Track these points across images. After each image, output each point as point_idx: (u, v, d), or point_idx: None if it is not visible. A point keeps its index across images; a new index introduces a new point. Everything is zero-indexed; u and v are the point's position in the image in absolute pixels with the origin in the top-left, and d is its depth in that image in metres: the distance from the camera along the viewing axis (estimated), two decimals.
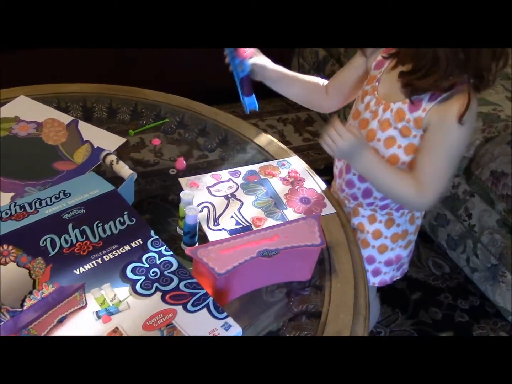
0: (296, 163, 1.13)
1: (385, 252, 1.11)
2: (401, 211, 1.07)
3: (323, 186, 1.08)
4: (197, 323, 0.69)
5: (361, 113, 1.02)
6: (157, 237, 0.82)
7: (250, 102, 1.05)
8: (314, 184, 1.08)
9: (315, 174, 1.11)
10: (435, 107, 0.90)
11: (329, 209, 1.03)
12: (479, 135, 1.50)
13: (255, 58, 1.05)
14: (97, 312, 0.70)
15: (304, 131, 2.28)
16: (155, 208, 1.04)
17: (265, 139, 1.20)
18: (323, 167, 2.06)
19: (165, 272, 0.76)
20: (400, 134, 0.95)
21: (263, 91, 2.56)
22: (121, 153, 1.12)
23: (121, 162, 1.03)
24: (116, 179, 0.98)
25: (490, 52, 0.83)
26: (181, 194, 0.89)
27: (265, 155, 1.16)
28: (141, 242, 0.80)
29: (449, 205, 1.62)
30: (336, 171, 1.12)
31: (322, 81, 1.15)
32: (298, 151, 2.15)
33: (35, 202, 0.85)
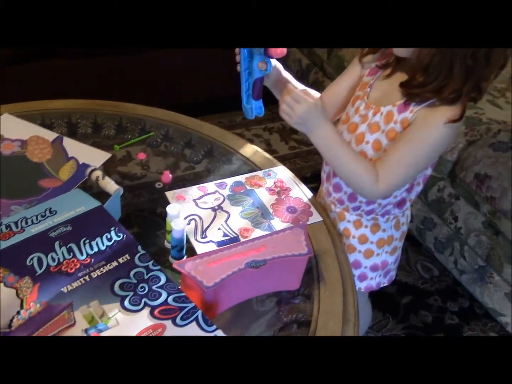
0: (282, 173, 1.14)
1: (371, 257, 1.12)
2: (386, 217, 1.08)
3: (309, 194, 1.09)
4: None
5: (350, 117, 1.04)
6: (145, 252, 0.82)
7: (258, 107, 0.98)
8: (300, 193, 1.09)
9: (301, 183, 1.12)
10: (422, 109, 0.91)
11: (315, 218, 1.03)
12: (462, 139, 1.52)
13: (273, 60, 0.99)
14: (86, 330, 0.70)
15: (290, 139, 2.30)
16: (143, 221, 1.04)
17: (250, 149, 1.21)
18: (310, 174, 2.07)
19: (153, 287, 0.76)
20: (386, 137, 0.96)
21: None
22: (108, 167, 1.13)
23: (107, 178, 1.04)
24: (103, 194, 0.99)
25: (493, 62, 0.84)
26: (167, 208, 0.90)
27: (251, 166, 1.16)
28: (129, 258, 0.80)
29: (435, 208, 1.64)
30: (323, 175, 1.13)
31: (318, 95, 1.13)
32: (285, 159, 2.17)
33: (21, 221, 0.85)
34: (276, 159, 1.21)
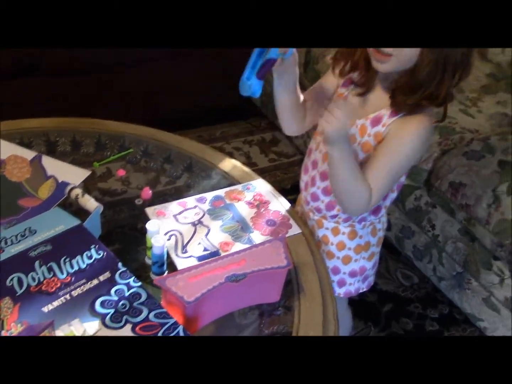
0: (261, 186, 1.16)
1: (349, 263, 1.14)
2: (362, 223, 1.11)
3: (288, 206, 1.11)
4: None
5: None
6: (125, 268, 0.83)
7: (258, 86, 0.92)
8: (279, 205, 1.11)
9: (280, 196, 1.14)
10: (394, 122, 0.94)
11: (294, 230, 1.05)
12: (436, 148, 1.55)
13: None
14: None
15: (269, 151, 2.32)
16: (124, 237, 1.04)
17: (229, 163, 1.22)
18: (290, 186, 2.09)
19: (134, 304, 0.77)
20: (361, 150, 0.99)
21: (226, 114, 2.58)
22: (88, 184, 1.13)
23: (86, 195, 1.04)
24: (83, 212, 0.99)
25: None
26: (147, 225, 0.90)
27: (230, 180, 1.18)
28: (109, 275, 0.81)
29: (413, 217, 1.67)
30: (302, 184, 1.15)
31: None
32: (265, 172, 2.18)
33: (1, 241, 0.85)
34: (255, 172, 1.23)
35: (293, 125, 1.10)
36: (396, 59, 0.89)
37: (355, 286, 1.17)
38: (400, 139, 0.94)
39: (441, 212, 1.57)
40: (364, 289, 1.19)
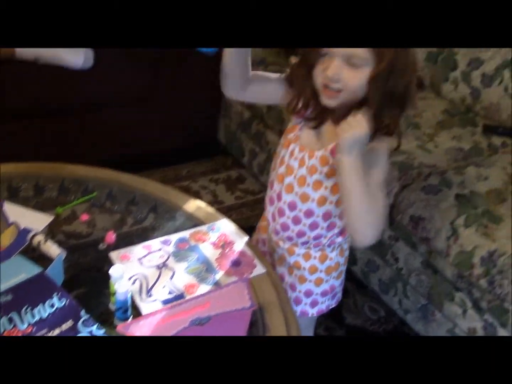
0: (226, 226, 1.17)
1: (321, 285, 1.18)
2: (332, 246, 1.14)
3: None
4: None
5: (285, 160, 1.09)
6: (89, 316, 0.82)
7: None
8: (244, 245, 1.12)
9: (245, 235, 1.15)
10: None
11: (259, 269, 1.06)
12: (396, 183, 1.60)
13: None
14: None
15: (236, 189, 2.34)
16: (90, 281, 1.03)
17: (194, 205, 1.24)
18: (257, 223, 2.10)
19: None
20: (326, 177, 1.04)
21: (192, 153, 2.60)
22: (53, 227, 1.13)
23: (49, 242, 1.04)
24: (46, 258, 0.99)
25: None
26: (111, 271, 0.90)
27: (194, 221, 1.19)
28: (72, 323, 0.80)
29: (377, 250, 1.70)
30: (269, 215, 1.17)
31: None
32: (231, 209, 2.20)
33: None
34: (222, 210, 1.25)
35: (234, 86, 1.11)
36: (345, 94, 0.95)
37: (326, 304, 1.21)
38: (374, 163, 0.99)
39: (403, 245, 1.60)
40: (333, 305, 1.23)
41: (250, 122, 2.28)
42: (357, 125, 0.92)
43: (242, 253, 1.10)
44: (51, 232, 1.12)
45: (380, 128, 0.97)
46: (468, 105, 1.99)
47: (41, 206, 1.17)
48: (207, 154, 2.52)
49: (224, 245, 1.12)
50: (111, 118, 2.12)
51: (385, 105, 0.95)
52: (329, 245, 1.14)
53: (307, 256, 1.15)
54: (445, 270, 1.46)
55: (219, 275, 1.03)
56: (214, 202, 2.23)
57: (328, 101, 0.98)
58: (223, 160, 2.50)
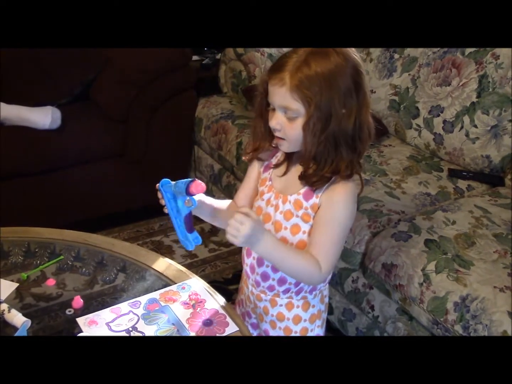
0: (196, 285, 1.15)
1: (307, 335, 1.16)
2: (314, 292, 1.13)
3: (225, 303, 1.11)
4: None
5: (262, 209, 1.10)
6: None
7: (195, 237, 1.03)
8: (215, 303, 1.10)
9: (216, 293, 1.14)
10: (324, 193, 1.02)
11: (232, 328, 1.04)
12: (367, 231, 1.61)
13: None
14: None
15: (209, 241, 2.32)
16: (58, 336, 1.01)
17: (163, 263, 1.22)
18: (231, 275, 2.08)
19: None
20: (302, 221, 1.05)
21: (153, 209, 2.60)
22: (21, 289, 1.11)
23: (13, 311, 1.01)
24: (10, 327, 0.97)
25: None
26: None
27: (164, 280, 1.17)
28: None
29: (352, 299, 1.69)
30: (247, 268, 1.15)
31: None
32: (205, 262, 2.17)
33: None
34: (195, 264, 1.23)
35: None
36: (287, 142, 1.01)
37: None
38: (332, 208, 1.02)
39: (378, 293, 1.60)
40: None
41: (221, 174, 2.29)
42: (240, 226, 0.92)
43: (214, 312, 1.08)
44: (19, 295, 1.09)
45: (330, 171, 1.00)
46: (433, 151, 2.04)
47: (5, 272, 1.15)
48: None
49: (195, 304, 1.10)
50: (80, 176, 2.11)
51: (329, 149, 0.98)
52: (310, 292, 1.13)
53: (289, 306, 1.13)
54: (420, 316, 1.46)
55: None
56: (188, 256, 2.21)
57: (279, 147, 1.05)
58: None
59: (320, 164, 1.00)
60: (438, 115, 2.00)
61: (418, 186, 1.84)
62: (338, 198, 1.02)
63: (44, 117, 1.96)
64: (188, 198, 1.00)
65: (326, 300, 1.19)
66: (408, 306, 1.49)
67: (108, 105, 2.17)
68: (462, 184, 1.87)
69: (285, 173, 1.08)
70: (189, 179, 0.99)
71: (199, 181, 0.98)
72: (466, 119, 1.92)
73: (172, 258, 1.26)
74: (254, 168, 1.17)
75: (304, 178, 1.03)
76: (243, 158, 1.18)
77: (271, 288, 1.13)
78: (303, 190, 1.04)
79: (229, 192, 2.24)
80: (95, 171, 2.16)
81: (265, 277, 1.12)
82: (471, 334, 1.32)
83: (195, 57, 2.57)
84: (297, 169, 1.06)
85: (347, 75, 0.97)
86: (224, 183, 2.27)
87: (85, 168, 2.12)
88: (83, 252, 1.24)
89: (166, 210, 1.05)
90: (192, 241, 1.03)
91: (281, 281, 1.11)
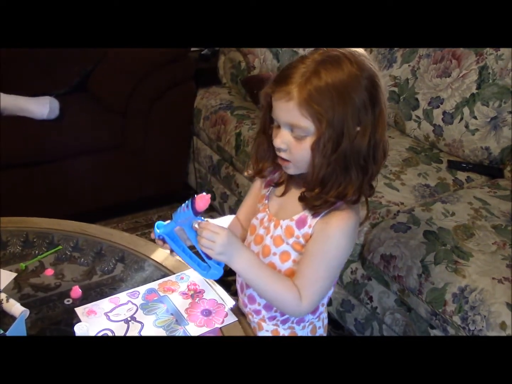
0: (195, 275, 1.15)
1: None
2: (301, 324, 1.04)
3: (223, 294, 1.10)
4: None
5: (256, 229, 1.03)
6: None
7: (217, 263, 0.91)
8: (214, 294, 1.10)
9: (215, 283, 1.14)
10: (319, 221, 0.93)
11: (230, 318, 1.04)
12: (366, 222, 1.61)
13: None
14: None
15: None
16: (59, 335, 1.00)
17: (162, 254, 1.22)
18: (229, 267, 2.08)
19: None
20: (293, 249, 0.96)
21: (163, 198, 2.58)
22: (19, 279, 1.10)
23: (11, 300, 1.01)
24: (8, 316, 0.97)
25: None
26: (75, 328, 0.87)
27: (163, 271, 1.17)
28: None
29: (351, 290, 1.69)
30: (237, 286, 1.08)
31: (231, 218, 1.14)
32: None
33: None
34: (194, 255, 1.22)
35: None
36: (293, 164, 0.91)
37: None
38: (324, 242, 0.92)
39: (376, 284, 1.60)
40: None
41: (220, 166, 2.29)
42: (215, 236, 0.86)
43: (212, 302, 1.08)
44: (17, 285, 1.09)
45: (335, 195, 0.89)
46: (432, 142, 2.04)
47: (4, 262, 1.14)
48: (178, 199, 2.49)
49: (194, 294, 1.10)
50: (78, 167, 2.10)
51: (338, 171, 0.87)
52: (297, 323, 1.03)
53: (275, 333, 1.04)
54: (419, 307, 1.46)
55: (189, 326, 1.01)
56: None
57: (285, 169, 0.94)
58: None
59: (326, 187, 0.89)
60: (438, 107, 1.99)
61: (417, 177, 1.83)
62: (333, 233, 0.91)
63: (42, 107, 1.95)
64: (195, 221, 0.89)
65: (321, 331, 1.08)
66: (407, 297, 1.49)
67: (106, 96, 2.16)
68: (462, 175, 1.87)
69: (283, 194, 0.99)
70: (187, 202, 0.89)
71: (201, 194, 0.88)
72: (466, 110, 1.91)
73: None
74: (256, 183, 1.08)
75: (304, 200, 0.93)
76: (245, 174, 1.08)
77: (257, 312, 1.04)
78: (297, 216, 0.95)
79: (228, 183, 2.24)
80: (94, 162, 2.15)
81: (251, 299, 1.04)
82: (470, 325, 1.32)
83: (194, 48, 2.55)
84: (296, 191, 0.96)
85: (362, 87, 0.86)
86: (223, 174, 2.26)
87: (83, 159, 2.11)
88: (81, 242, 1.23)
89: (175, 255, 0.96)
90: (217, 265, 0.91)
91: (267, 307, 1.02)
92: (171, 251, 0.95)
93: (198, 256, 0.94)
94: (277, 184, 1.01)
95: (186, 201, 0.89)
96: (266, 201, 1.03)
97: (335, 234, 0.91)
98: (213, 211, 2.43)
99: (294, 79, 0.85)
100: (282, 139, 0.89)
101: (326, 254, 0.92)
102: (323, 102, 0.84)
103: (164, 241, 0.95)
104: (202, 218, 0.89)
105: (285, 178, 1.00)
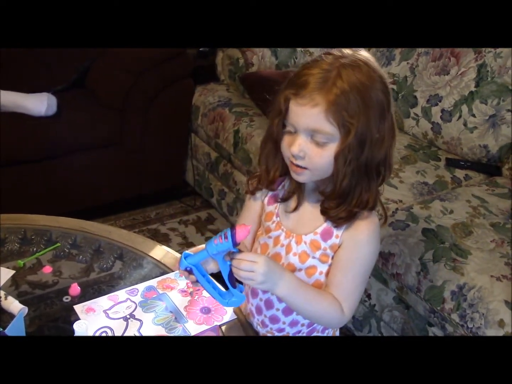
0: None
1: None
2: (326, 332, 1.05)
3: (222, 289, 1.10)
4: None
5: (269, 247, 0.99)
6: None
7: (240, 289, 0.88)
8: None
9: (214, 281, 1.13)
10: (346, 231, 0.92)
11: (229, 316, 1.04)
12: (385, 225, 1.60)
13: None
14: None
15: (205, 230, 2.32)
16: (57, 332, 1.00)
17: (160, 251, 1.21)
18: None
19: None
20: (320, 262, 0.95)
21: (161, 195, 2.58)
22: (17, 277, 1.10)
23: (10, 298, 1.00)
24: (7, 314, 0.97)
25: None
26: (75, 326, 0.87)
27: (162, 268, 1.16)
28: None
29: None
30: (252, 308, 1.04)
31: None
32: None
33: None
34: None
35: None
36: (310, 172, 0.88)
37: None
38: (356, 249, 0.92)
39: (374, 281, 1.60)
40: None
41: (218, 163, 2.28)
42: (253, 265, 0.82)
43: (211, 300, 1.07)
44: (15, 282, 1.08)
45: (357, 205, 0.88)
46: (430, 140, 2.04)
47: (2, 259, 1.14)
48: (176, 196, 2.50)
49: (193, 292, 1.09)
50: (76, 164, 2.09)
51: (359, 179, 0.86)
52: (322, 331, 1.03)
53: None
54: (417, 305, 1.46)
55: (188, 324, 1.01)
56: (184, 244, 2.20)
57: (297, 177, 0.90)
58: (192, 201, 2.49)
59: (348, 197, 0.87)
60: (436, 104, 1.99)
61: (415, 175, 1.83)
62: (362, 237, 0.91)
63: (39, 104, 1.94)
64: (230, 251, 0.83)
65: (337, 333, 1.09)
66: (405, 294, 1.49)
67: (104, 93, 2.15)
68: (460, 173, 1.87)
69: (295, 209, 0.96)
70: (223, 232, 0.82)
71: (241, 224, 0.82)
72: (464, 108, 1.91)
73: (168, 246, 1.26)
74: (250, 202, 1.04)
75: (327, 213, 0.91)
76: (246, 192, 1.04)
77: (280, 330, 1.02)
78: (320, 229, 0.93)
79: (226, 180, 2.23)
80: (92, 159, 2.14)
81: (274, 320, 1.01)
82: (468, 323, 1.32)
83: None
84: (310, 203, 0.95)
85: (378, 90, 0.84)
86: (221, 172, 2.26)
87: (81, 156, 2.10)
88: (79, 240, 1.23)
89: (197, 285, 0.90)
90: (239, 293, 0.88)
91: (293, 324, 1.01)
92: (193, 281, 0.90)
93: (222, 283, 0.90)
94: (284, 200, 0.97)
95: (222, 232, 0.82)
96: (278, 219, 0.99)
97: (366, 240, 0.92)
98: (211, 208, 2.43)
99: (317, 85, 0.82)
100: (301, 147, 0.85)
101: (360, 261, 0.93)
102: (350, 108, 0.82)
103: (190, 272, 0.88)
104: (237, 248, 0.83)
105: (293, 190, 0.96)
